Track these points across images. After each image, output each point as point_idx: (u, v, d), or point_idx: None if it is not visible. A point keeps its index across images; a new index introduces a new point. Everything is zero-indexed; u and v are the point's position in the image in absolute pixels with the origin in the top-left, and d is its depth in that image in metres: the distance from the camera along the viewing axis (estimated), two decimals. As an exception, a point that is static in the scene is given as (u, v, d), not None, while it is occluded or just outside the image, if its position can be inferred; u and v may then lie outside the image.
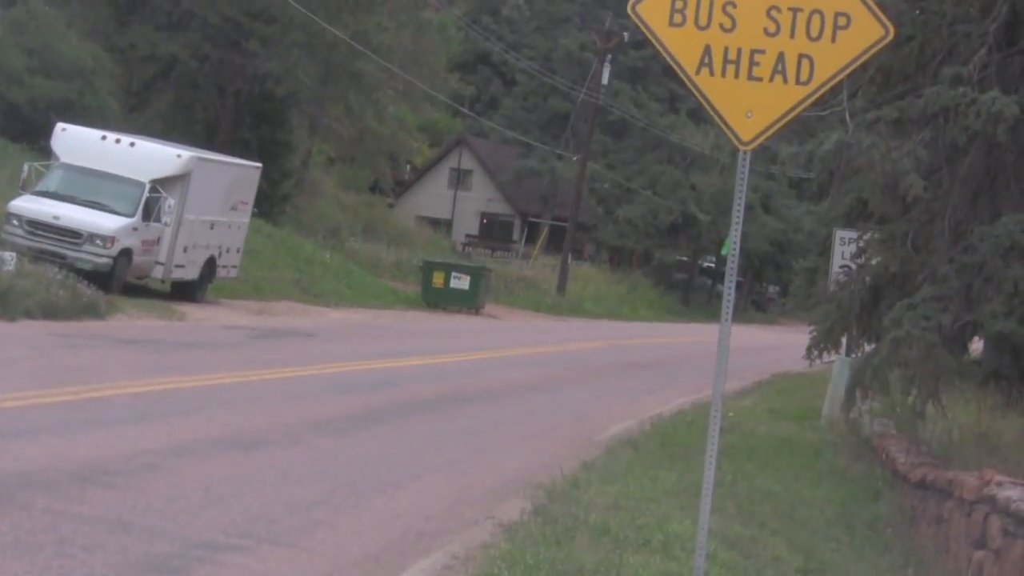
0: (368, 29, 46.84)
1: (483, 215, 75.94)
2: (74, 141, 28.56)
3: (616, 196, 71.37)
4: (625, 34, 62.54)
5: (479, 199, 75.74)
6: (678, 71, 8.46)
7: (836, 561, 11.73)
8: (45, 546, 8.68)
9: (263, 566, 9.09)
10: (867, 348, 18.89)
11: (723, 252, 33.68)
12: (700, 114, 68.21)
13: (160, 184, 28.27)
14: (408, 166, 72.13)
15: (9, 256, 23.44)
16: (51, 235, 26.50)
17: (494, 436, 17.36)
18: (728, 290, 8.49)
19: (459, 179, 75.46)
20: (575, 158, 64.03)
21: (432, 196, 74.99)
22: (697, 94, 8.45)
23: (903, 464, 14.56)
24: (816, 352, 19.66)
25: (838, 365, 21.28)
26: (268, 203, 41.43)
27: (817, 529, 13.05)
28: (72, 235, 26.59)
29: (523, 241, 71.33)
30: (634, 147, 72.38)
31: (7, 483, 10.24)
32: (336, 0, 45.93)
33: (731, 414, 22.40)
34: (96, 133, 29.02)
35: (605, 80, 60.88)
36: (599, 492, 12.74)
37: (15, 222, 26.56)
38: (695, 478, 13.48)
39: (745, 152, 8.42)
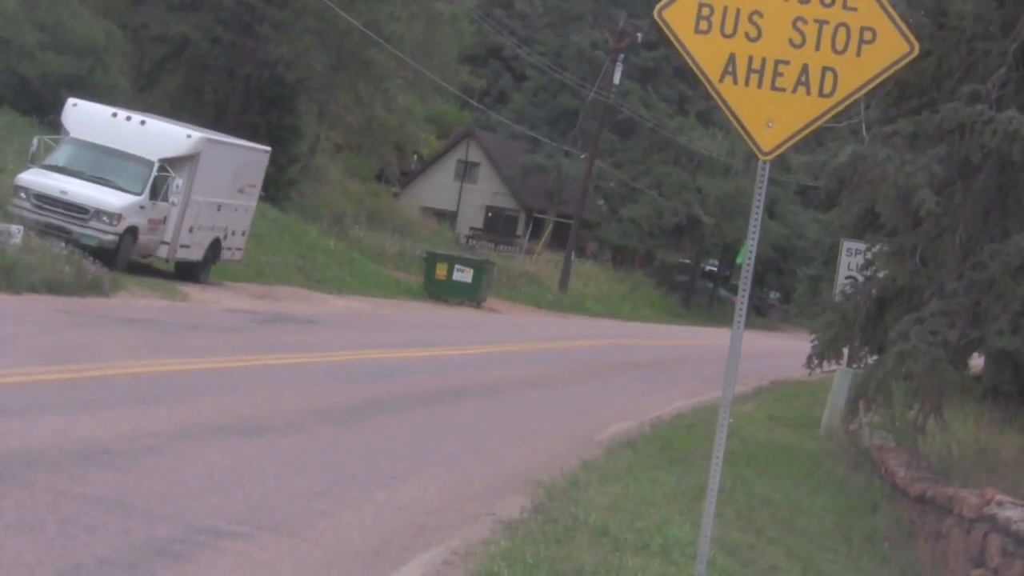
0: (380, 18, 46.82)
1: (488, 208, 75.94)
2: (84, 117, 28.53)
3: (621, 195, 71.36)
4: (638, 34, 62.56)
5: (485, 192, 75.73)
6: (701, 78, 8.45)
7: (834, 572, 11.74)
8: (48, 525, 8.68)
9: (264, 555, 9.09)
10: (869, 360, 18.88)
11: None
12: (708, 117, 68.30)
13: (169, 163, 28.27)
14: (415, 156, 72.17)
15: (16, 229, 23.44)
16: (58, 210, 26.48)
17: (494, 431, 17.36)
18: (741, 299, 8.49)
19: (466, 171, 75.47)
20: (582, 155, 64.03)
21: (438, 187, 74.99)
22: (719, 102, 8.44)
23: (902, 478, 14.58)
24: (817, 361, 19.65)
25: (839, 376, 21.28)
26: (274, 187, 41.42)
27: (815, 538, 13.06)
28: (79, 211, 26.58)
29: (527, 236, 71.33)
30: (641, 147, 72.36)
31: (9, 461, 10.23)
32: (349, -13, 45.93)
33: (731, 420, 22.40)
34: (107, 110, 28.96)
35: (616, 79, 60.86)
36: (599, 492, 12.75)
37: (23, 195, 26.54)
38: (694, 482, 13.51)
39: (765, 162, 8.42)
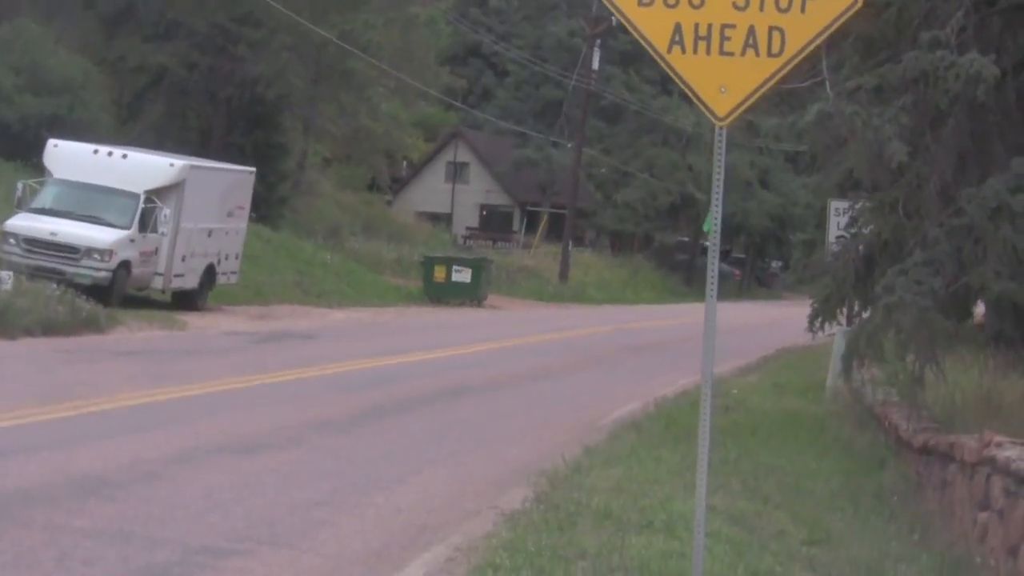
0: (356, 28, 46.75)
1: (482, 207, 75.89)
2: (66, 156, 28.58)
3: (614, 181, 71.27)
4: (612, 18, 62.45)
5: (477, 191, 75.69)
6: (650, 50, 8.41)
7: (842, 531, 11.71)
8: (45, 562, 8.68)
9: (265, 569, 9.09)
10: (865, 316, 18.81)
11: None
12: (693, 94, 68.12)
13: (155, 194, 28.28)
14: (404, 162, 72.06)
15: (6, 275, 23.44)
16: (49, 252, 26.53)
17: (497, 427, 17.35)
18: (712, 266, 8.46)
19: (456, 172, 75.40)
20: (570, 145, 63.98)
21: (430, 191, 74.95)
22: (671, 72, 8.41)
23: (906, 431, 14.56)
24: (817, 324, 19.57)
25: (839, 336, 21.23)
26: (266, 206, 41.40)
27: (822, 501, 13.04)
28: (70, 250, 26.62)
29: (523, 231, 71.28)
30: (629, 131, 72.25)
31: (6, 500, 10.23)
32: (322, 0, 45.89)
33: (735, 391, 22.41)
34: (88, 147, 29.00)
35: (596, 65, 60.79)
36: (601, 476, 12.74)
37: (12, 241, 26.60)
38: (698, 457, 13.47)
39: (721, 128, 8.40)
